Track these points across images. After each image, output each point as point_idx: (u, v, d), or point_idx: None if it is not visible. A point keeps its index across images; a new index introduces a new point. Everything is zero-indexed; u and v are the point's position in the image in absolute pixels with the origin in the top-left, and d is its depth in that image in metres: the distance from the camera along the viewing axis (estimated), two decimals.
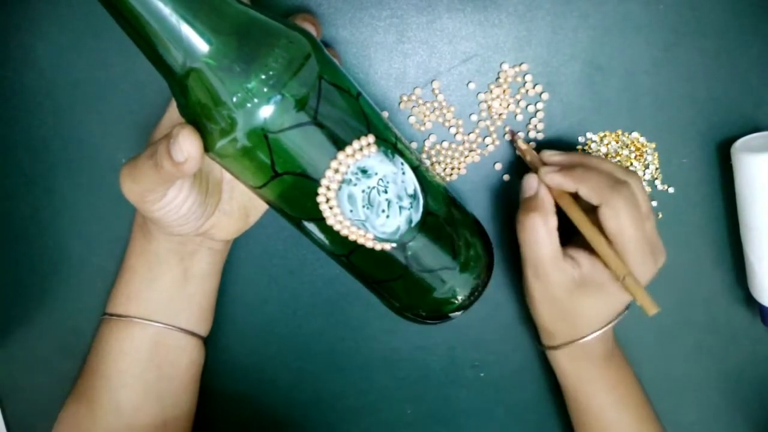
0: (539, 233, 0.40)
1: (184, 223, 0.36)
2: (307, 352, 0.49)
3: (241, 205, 0.40)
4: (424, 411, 0.51)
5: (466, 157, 0.47)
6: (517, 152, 0.46)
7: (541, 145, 0.47)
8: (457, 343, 0.50)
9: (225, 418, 0.50)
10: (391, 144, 0.34)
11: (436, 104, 0.46)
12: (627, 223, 0.38)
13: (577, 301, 0.41)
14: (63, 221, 0.47)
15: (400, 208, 0.35)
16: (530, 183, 0.42)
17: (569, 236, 0.42)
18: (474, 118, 0.46)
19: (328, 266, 0.48)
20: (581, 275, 0.41)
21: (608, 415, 0.44)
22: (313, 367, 0.50)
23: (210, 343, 0.45)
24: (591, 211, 0.40)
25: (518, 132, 0.46)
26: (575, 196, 0.41)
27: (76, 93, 0.45)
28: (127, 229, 0.42)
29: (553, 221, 0.40)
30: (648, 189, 0.48)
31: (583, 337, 0.42)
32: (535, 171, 0.42)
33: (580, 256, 0.41)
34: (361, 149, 0.32)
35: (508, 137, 0.46)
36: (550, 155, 0.43)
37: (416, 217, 0.35)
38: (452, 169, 0.47)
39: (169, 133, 0.31)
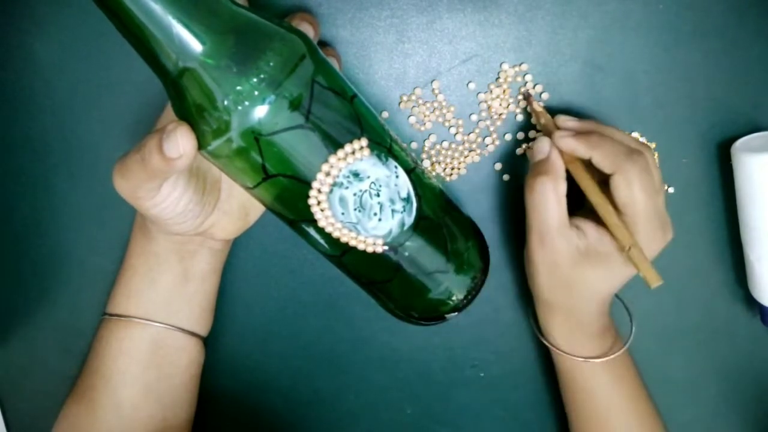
0: (548, 198, 0.39)
1: (181, 221, 0.36)
2: (307, 352, 0.49)
3: (241, 204, 0.40)
4: (424, 411, 0.51)
5: (466, 157, 0.47)
6: (531, 117, 0.45)
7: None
8: (456, 343, 0.50)
9: (225, 418, 0.50)
10: (385, 147, 0.34)
11: (436, 104, 0.46)
12: (639, 194, 0.38)
13: (580, 272, 0.40)
14: (63, 221, 0.47)
15: (393, 211, 0.35)
16: (542, 146, 0.41)
17: (575, 207, 0.42)
18: (474, 118, 0.46)
19: (328, 266, 0.47)
20: (586, 246, 0.40)
21: (602, 393, 0.44)
22: (313, 367, 0.50)
23: (210, 343, 0.45)
24: (600, 181, 0.40)
25: (532, 94, 0.45)
26: (586, 164, 0.40)
27: (76, 93, 0.45)
28: (127, 229, 0.42)
29: (563, 187, 0.39)
30: None
31: (580, 308, 0.42)
32: (548, 135, 0.41)
33: (587, 226, 0.41)
34: (353, 153, 0.32)
35: (522, 103, 0.46)
36: (564, 120, 0.42)
37: (409, 220, 0.35)
38: (452, 169, 0.47)
39: (161, 129, 0.31)
